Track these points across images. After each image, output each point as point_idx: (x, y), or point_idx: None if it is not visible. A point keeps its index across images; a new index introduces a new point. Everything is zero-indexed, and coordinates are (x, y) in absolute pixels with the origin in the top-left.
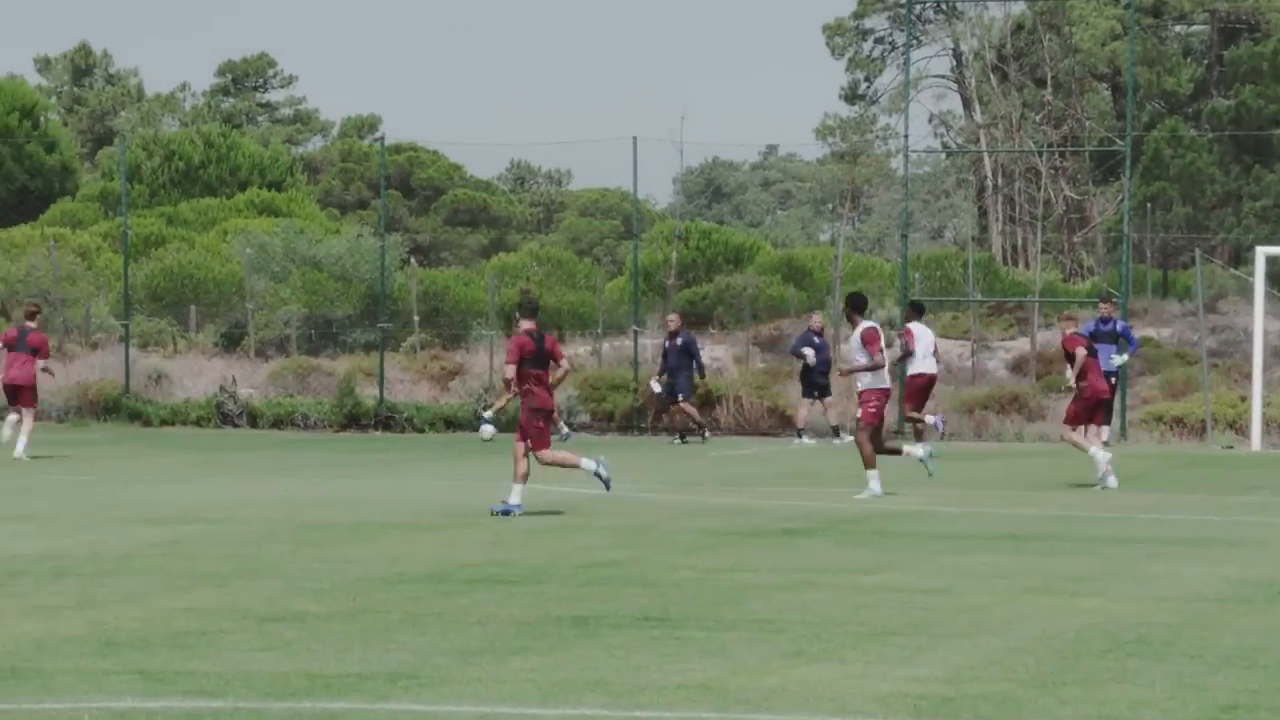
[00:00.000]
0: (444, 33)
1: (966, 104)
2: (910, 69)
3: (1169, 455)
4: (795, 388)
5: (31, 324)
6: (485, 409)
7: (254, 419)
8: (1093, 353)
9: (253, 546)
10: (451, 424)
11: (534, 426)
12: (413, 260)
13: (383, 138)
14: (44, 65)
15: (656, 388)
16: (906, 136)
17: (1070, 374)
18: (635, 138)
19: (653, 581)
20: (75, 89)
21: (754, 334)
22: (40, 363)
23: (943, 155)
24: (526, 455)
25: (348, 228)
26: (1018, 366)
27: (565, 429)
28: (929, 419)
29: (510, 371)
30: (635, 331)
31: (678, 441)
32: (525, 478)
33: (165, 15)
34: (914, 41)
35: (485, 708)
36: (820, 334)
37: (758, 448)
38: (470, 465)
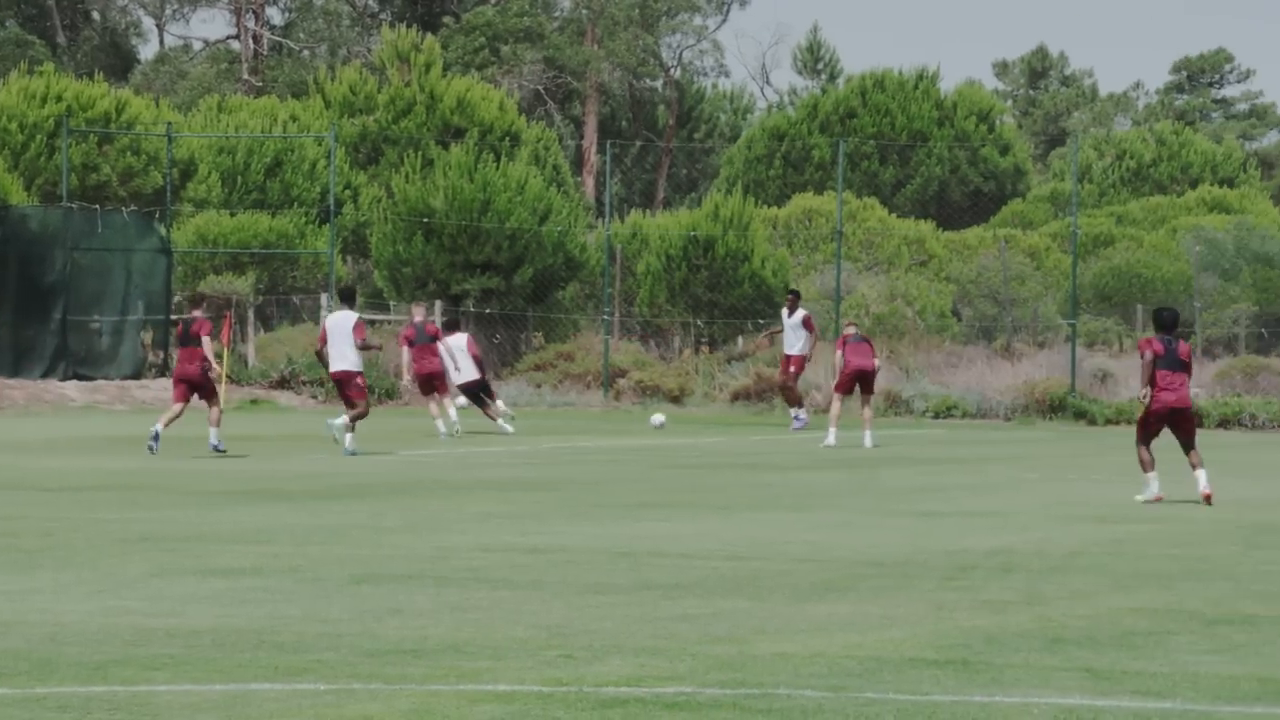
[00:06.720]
0: None
1: None
2: None
3: None
4: None
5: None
6: None
7: (1200, 418)
8: None
9: (1199, 547)
10: None
11: None
12: None
13: None
14: (1001, 69)
15: None
16: None
17: None
18: None
19: None
20: (1030, 91)
21: None
22: None
23: None
24: None
25: None
26: None
27: None
28: None
29: None
30: None
31: None
32: None
33: (1122, 15)
34: None
35: None
36: None
37: None
38: None
